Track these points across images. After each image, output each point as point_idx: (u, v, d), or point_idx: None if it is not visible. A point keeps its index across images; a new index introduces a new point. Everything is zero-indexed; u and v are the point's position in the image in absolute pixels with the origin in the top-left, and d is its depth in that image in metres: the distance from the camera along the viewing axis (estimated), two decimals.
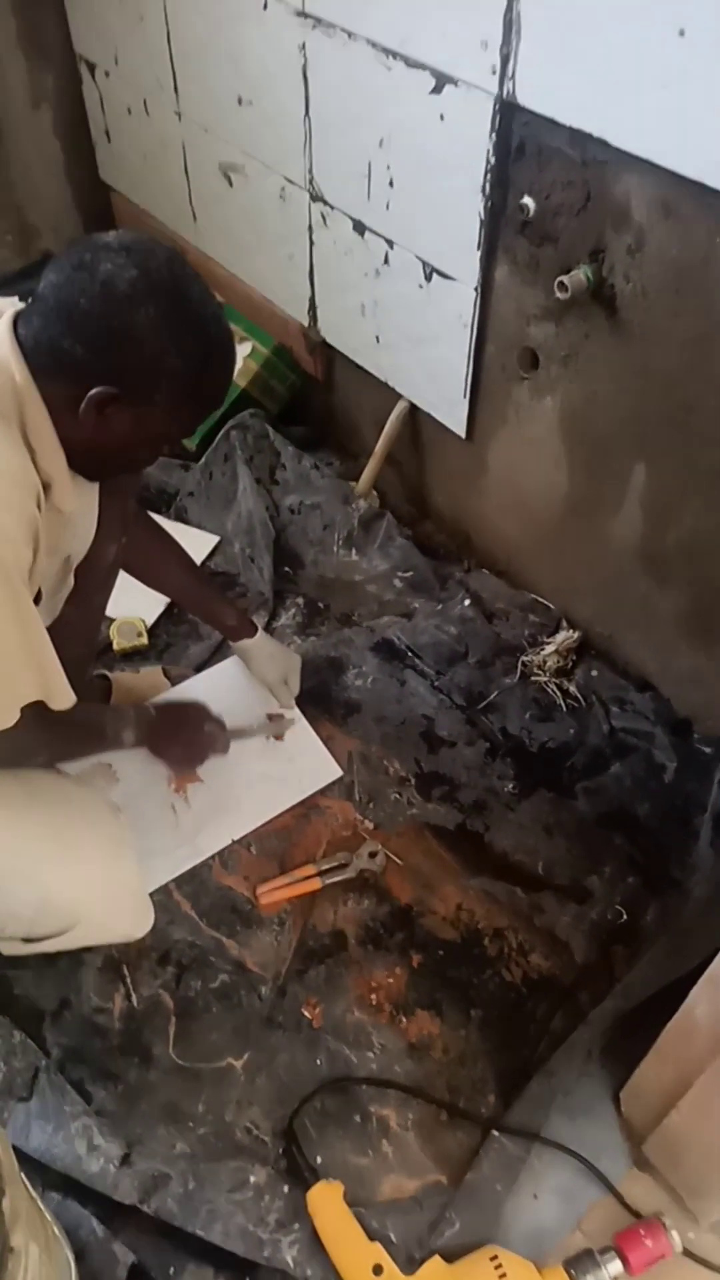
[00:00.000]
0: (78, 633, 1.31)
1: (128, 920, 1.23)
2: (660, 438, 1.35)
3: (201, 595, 1.51)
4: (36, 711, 0.97)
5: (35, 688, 0.96)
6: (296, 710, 1.58)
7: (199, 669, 1.66)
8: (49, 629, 1.19)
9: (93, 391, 0.92)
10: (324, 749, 1.55)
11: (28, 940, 1.12)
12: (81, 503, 1.09)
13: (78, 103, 2.24)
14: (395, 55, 1.38)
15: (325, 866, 1.39)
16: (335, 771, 1.52)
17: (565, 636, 1.69)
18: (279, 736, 1.55)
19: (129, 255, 0.91)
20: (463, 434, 1.69)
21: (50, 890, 1.09)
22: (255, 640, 1.53)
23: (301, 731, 1.57)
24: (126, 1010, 1.25)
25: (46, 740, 1.09)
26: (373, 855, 1.39)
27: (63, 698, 0.99)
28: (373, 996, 1.28)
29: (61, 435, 0.96)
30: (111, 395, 0.93)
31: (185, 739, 1.38)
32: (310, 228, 1.76)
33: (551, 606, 1.76)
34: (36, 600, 1.12)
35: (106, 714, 1.33)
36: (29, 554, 0.94)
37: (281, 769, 1.52)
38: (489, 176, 1.35)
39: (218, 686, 1.57)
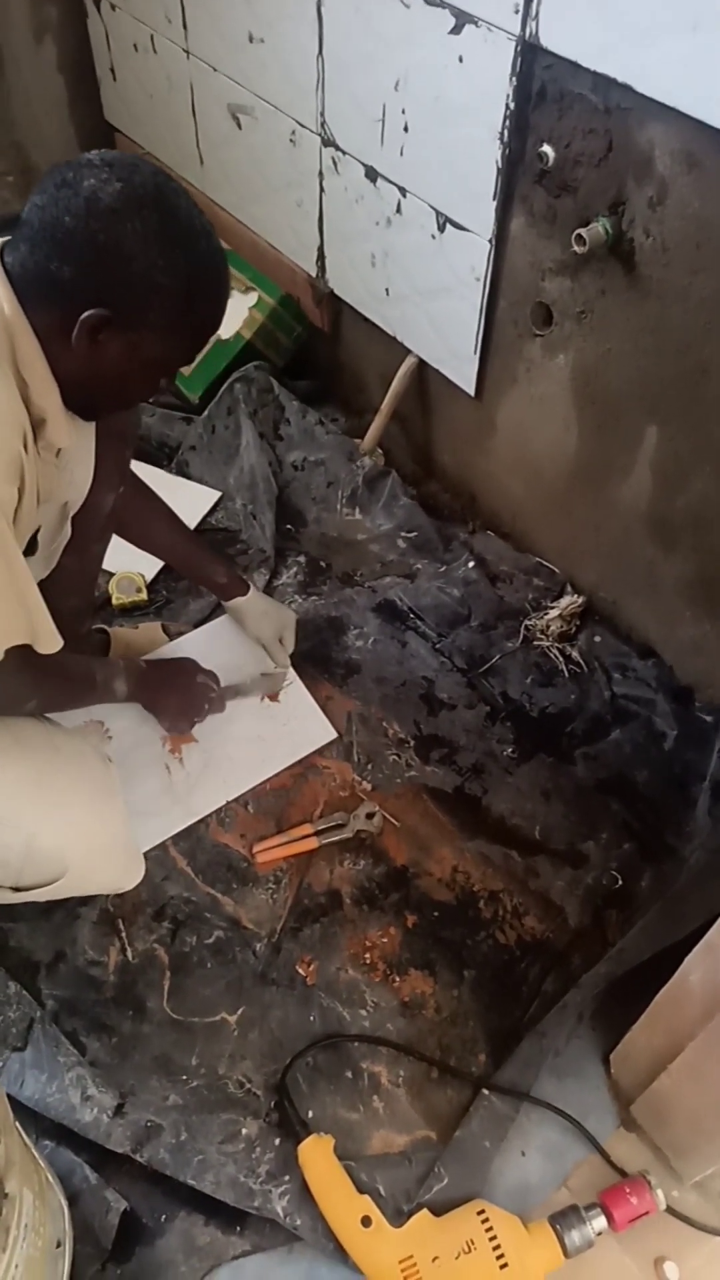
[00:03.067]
0: (75, 583, 1.30)
1: (117, 870, 1.22)
2: (674, 400, 1.32)
3: (190, 553, 1.49)
4: (26, 656, 0.95)
5: (21, 629, 0.94)
6: (292, 670, 1.57)
7: (198, 625, 1.64)
8: (46, 579, 1.18)
9: (85, 314, 0.89)
10: (319, 710, 1.53)
11: (16, 889, 1.12)
12: (77, 443, 1.06)
13: (83, 38, 2.16)
14: None
15: (322, 826, 1.39)
16: (330, 733, 1.51)
17: (569, 601, 1.68)
18: (274, 696, 1.54)
19: (112, 170, 0.88)
20: (471, 391, 1.66)
21: (36, 837, 1.08)
22: (248, 598, 1.52)
23: (297, 692, 1.55)
24: (121, 964, 1.25)
25: (35, 686, 1.08)
26: (370, 816, 1.39)
27: (49, 641, 0.98)
28: (367, 955, 1.29)
29: (54, 367, 0.93)
30: (103, 318, 0.89)
31: (178, 693, 1.38)
32: (321, 173, 1.71)
33: (556, 570, 1.74)
34: (33, 549, 1.10)
35: (97, 664, 1.32)
36: (12, 492, 0.91)
37: (276, 730, 1.51)
38: (508, 123, 1.30)
39: (211, 645, 1.56)
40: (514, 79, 1.26)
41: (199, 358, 2.02)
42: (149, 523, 1.42)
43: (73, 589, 1.31)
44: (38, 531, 1.08)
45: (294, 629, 1.56)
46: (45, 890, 1.12)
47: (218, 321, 1.00)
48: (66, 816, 1.10)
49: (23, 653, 0.95)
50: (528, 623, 1.67)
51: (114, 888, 1.25)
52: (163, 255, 0.90)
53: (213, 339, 2.02)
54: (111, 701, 1.27)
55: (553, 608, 1.68)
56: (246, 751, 1.47)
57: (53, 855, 1.10)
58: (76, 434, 1.04)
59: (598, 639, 1.65)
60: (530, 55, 1.24)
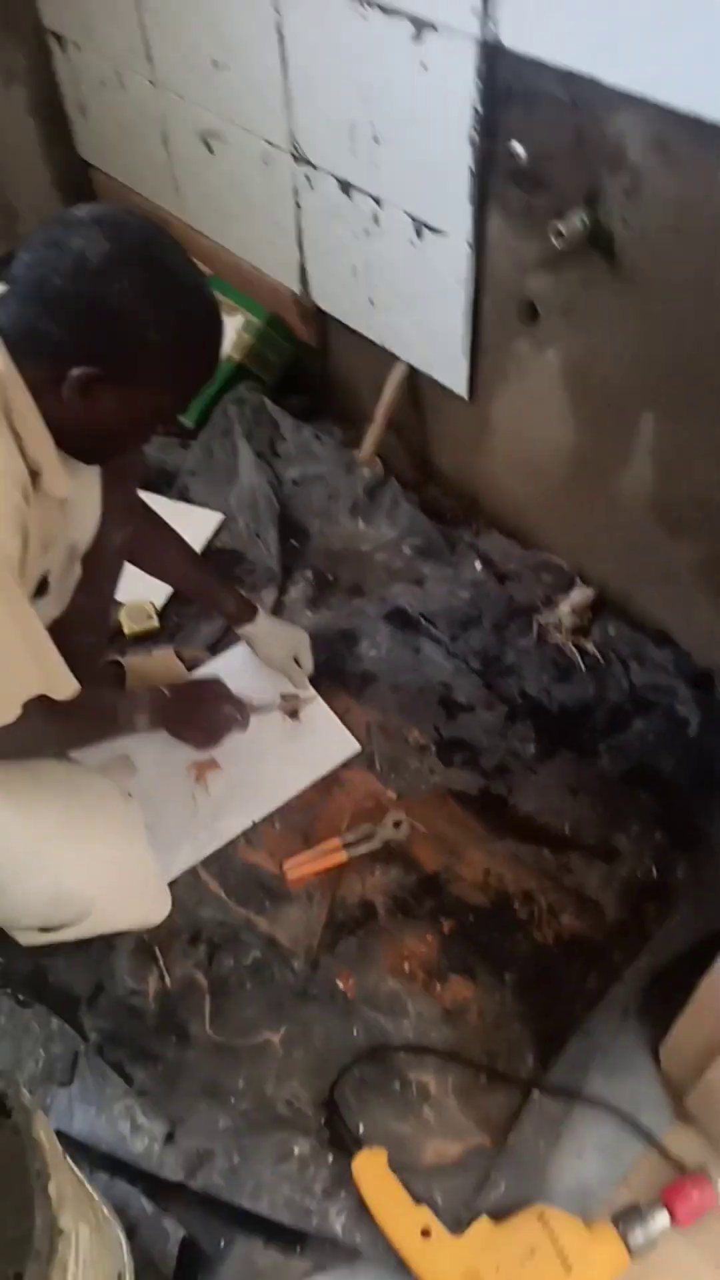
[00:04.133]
0: (89, 620, 1.31)
1: (143, 906, 1.22)
2: (667, 386, 1.32)
3: (201, 582, 1.49)
4: (42, 703, 0.95)
5: (36, 681, 0.94)
6: (311, 688, 1.57)
7: (211, 649, 1.65)
8: (59, 619, 1.19)
9: (74, 373, 0.89)
10: (340, 724, 1.53)
11: (44, 930, 1.12)
12: (79, 488, 1.07)
13: (50, 78, 2.19)
14: (371, 3, 1.34)
15: (350, 839, 1.39)
16: (353, 746, 1.51)
17: (580, 595, 1.67)
18: (294, 714, 1.54)
19: (101, 228, 0.87)
20: (464, 393, 1.66)
21: (62, 878, 1.08)
22: (257, 624, 1.52)
23: (317, 708, 1.55)
24: (161, 991, 1.25)
25: (57, 731, 1.09)
26: (397, 825, 1.39)
27: (64, 686, 0.98)
28: (405, 965, 1.28)
29: (48, 418, 0.93)
30: (93, 375, 0.90)
31: (203, 717, 1.38)
32: (296, 191, 1.72)
33: (564, 565, 1.73)
34: (44, 590, 1.11)
35: (119, 699, 1.32)
36: (17, 544, 0.92)
37: (299, 748, 1.51)
38: (476, 125, 1.30)
39: (229, 673, 1.56)
40: (479, 81, 1.26)
41: None
42: (161, 552, 1.43)
43: (86, 626, 1.31)
44: (48, 574, 1.09)
45: (309, 648, 1.56)
46: (72, 930, 1.12)
47: (211, 373, 1.00)
48: (91, 856, 1.11)
49: (41, 700, 0.95)
50: (540, 619, 1.67)
51: (141, 924, 1.25)
52: (152, 313, 0.89)
53: None
54: (134, 733, 1.27)
55: (564, 602, 1.67)
56: (270, 771, 1.47)
57: (78, 895, 1.10)
58: (78, 478, 1.05)
59: (612, 630, 1.65)
60: (493, 56, 1.24)
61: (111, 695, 1.38)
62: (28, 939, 1.16)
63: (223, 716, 1.39)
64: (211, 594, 1.51)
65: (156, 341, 0.91)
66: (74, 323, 0.88)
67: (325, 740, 1.52)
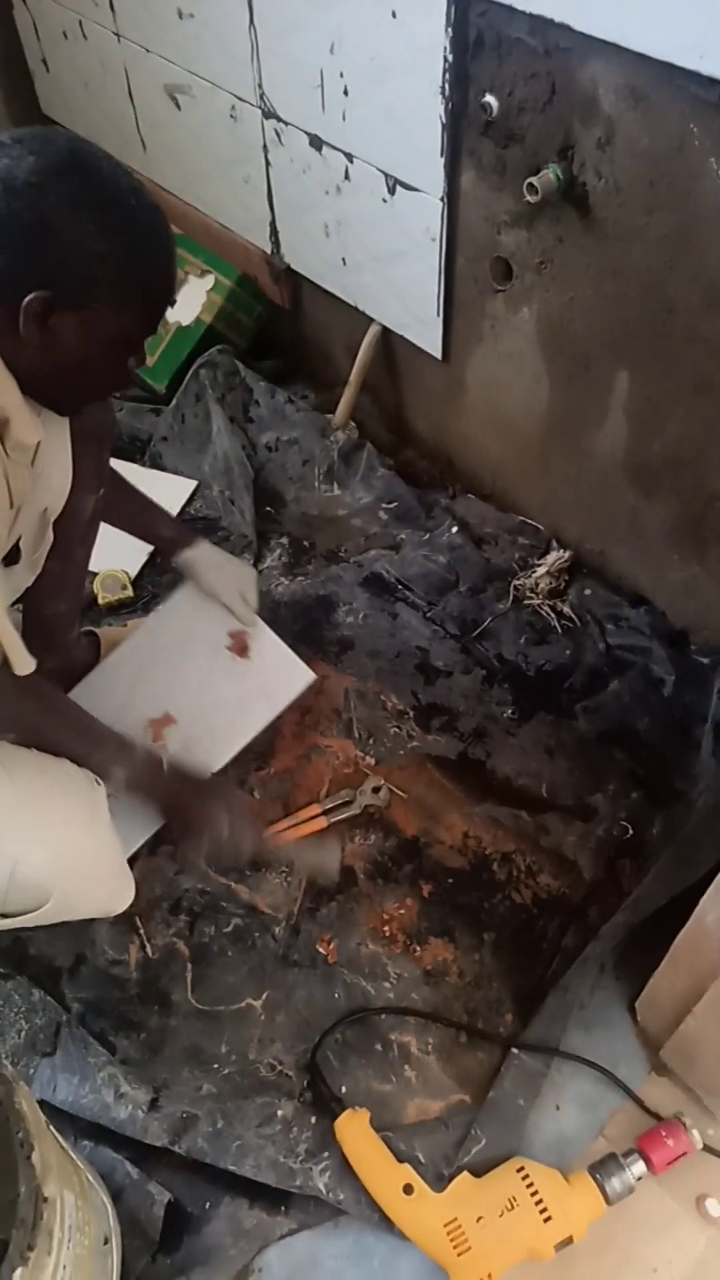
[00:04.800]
0: (62, 588, 1.29)
1: (105, 893, 1.16)
2: (641, 342, 1.31)
3: (130, 507, 1.36)
4: (16, 684, 0.93)
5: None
6: (260, 621, 1.46)
7: None
8: (33, 586, 1.17)
9: (26, 300, 0.84)
10: (293, 655, 1.44)
11: (3, 916, 1.07)
12: (53, 446, 1.04)
13: (11, 31, 2.11)
14: None
15: (329, 805, 1.39)
16: (308, 675, 1.42)
17: (556, 557, 1.67)
18: (244, 652, 1.44)
19: (23, 145, 0.83)
20: (438, 354, 1.64)
21: (18, 863, 1.03)
22: (199, 550, 1.41)
23: (266, 641, 1.44)
24: (142, 960, 1.26)
25: (28, 716, 1.06)
26: (376, 790, 1.39)
27: (22, 663, 0.95)
28: (386, 928, 1.29)
29: (10, 362, 0.89)
30: (46, 299, 0.85)
31: (198, 816, 1.17)
32: (265, 147, 1.67)
33: (540, 527, 1.73)
34: (16, 558, 1.08)
35: (106, 738, 1.15)
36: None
37: (253, 685, 1.41)
38: (447, 75, 1.27)
39: (174, 621, 1.46)
40: (449, 29, 1.23)
41: (160, 346, 2.01)
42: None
43: (60, 594, 1.29)
44: (19, 540, 1.07)
45: (255, 585, 1.46)
46: (31, 916, 1.07)
47: (170, 280, 0.95)
48: (51, 841, 1.05)
49: (12, 680, 0.93)
50: (516, 583, 1.66)
51: (103, 911, 1.18)
52: (93, 220, 0.85)
53: (174, 324, 2.00)
54: (102, 777, 1.12)
55: (540, 565, 1.67)
56: (225, 716, 1.39)
57: (36, 881, 1.04)
58: (49, 432, 1.02)
59: (588, 592, 1.65)
60: (464, 3, 1.21)
61: (100, 729, 1.16)
62: None
63: (219, 825, 1.17)
64: (143, 519, 1.40)
65: (104, 251, 0.86)
66: (14, 246, 0.84)
67: (279, 673, 1.43)
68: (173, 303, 1.00)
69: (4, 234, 0.83)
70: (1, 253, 0.84)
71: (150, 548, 1.65)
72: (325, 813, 1.38)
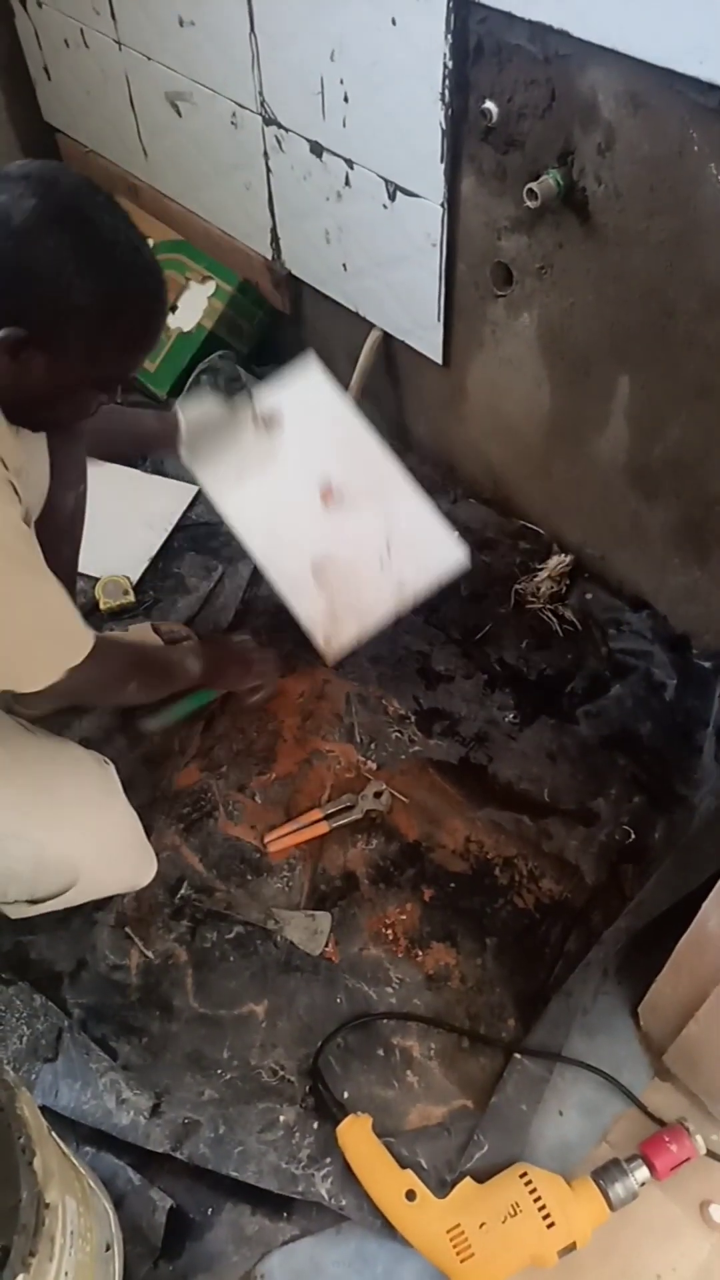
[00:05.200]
0: None
1: (128, 868, 1.22)
2: (642, 347, 1.31)
3: (110, 430, 1.31)
4: (125, 650, 1.04)
5: (81, 645, 0.98)
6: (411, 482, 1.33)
7: (188, 623, 1.63)
8: None
9: (2, 334, 0.86)
10: (442, 525, 1.30)
11: (33, 902, 1.12)
12: (30, 455, 1.05)
13: (12, 40, 2.12)
14: None
15: (331, 810, 1.39)
16: (457, 555, 1.30)
17: (557, 561, 1.67)
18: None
19: (28, 184, 0.85)
20: (439, 360, 1.64)
21: (45, 847, 1.08)
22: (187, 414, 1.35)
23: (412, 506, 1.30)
24: (144, 965, 1.25)
25: (133, 673, 1.14)
26: (378, 795, 1.39)
27: (82, 638, 1.00)
28: (388, 932, 1.29)
29: None
30: (21, 338, 0.86)
31: (238, 664, 1.38)
32: (266, 153, 1.68)
33: (542, 532, 1.73)
34: None
35: (171, 650, 1.32)
36: (17, 511, 0.92)
37: (393, 549, 1.30)
38: (447, 82, 1.28)
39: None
40: (449, 36, 1.23)
41: (162, 352, 2.01)
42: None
43: None
44: None
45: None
46: (61, 899, 1.12)
47: (149, 339, 0.97)
48: (72, 824, 1.10)
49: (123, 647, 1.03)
50: (518, 587, 1.66)
51: (129, 886, 1.25)
52: (79, 275, 0.86)
53: (175, 330, 2.00)
54: (190, 683, 1.26)
55: (541, 569, 1.67)
56: (360, 577, 1.30)
57: (62, 863, 1.10)
58: (24, 445, 1.02)
59: (589, 596, 1.65)
60: (464, 10, 1.21)
61: (164, 649, 1.40)
62: (17, 912, 1.15)
63: (256, 664, 1.40)
64: (129, 426, 1.37)
65: (83, 306, 0.87)
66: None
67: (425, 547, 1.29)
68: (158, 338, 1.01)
69: None
70: None
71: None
72: (327, 817, 1.38)
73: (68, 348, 0.90)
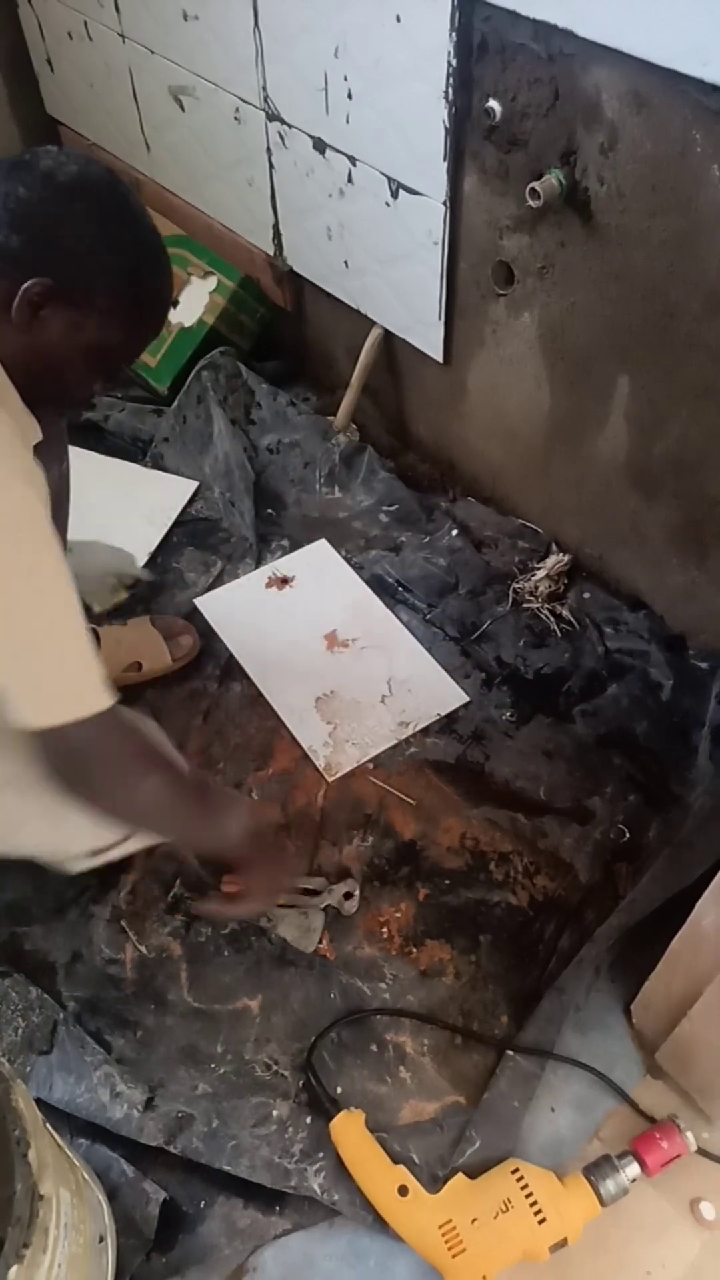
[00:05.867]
0: None
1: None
2: (643, 347, 1.31)
3: None
4: (167, 772, 0.96)
5: (79, 696, 0.88)
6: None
7: (187, 618, 1.63)
8: None
9: (28, 283, 0.88)
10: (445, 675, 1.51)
11: (95, 853, 1.11)
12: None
13: (16, 31, 2.12)
14: None
15: (301, 884, 1.29)
16: (461, 696, 1.49)
17: (555, 560, 1.67)
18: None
19: (70, 157, 0.91)
20: (440, 358, 1.64)
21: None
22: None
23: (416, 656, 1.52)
24: (139, 959, 1.26)
25: (170, 801, 1.00)
26: (347, 896, 1.29)
27: (96, 695, 0.90)
28: (382, 929, 1.29)
29: None
30: (47, 287, 0.89)
31: (271, 865, 1.18)
32: (269, 149, 1.68)
33: (540, 531, 1.73)
34: None
35: (219, 788, 1.21)
36: (40, 496, 0.92)
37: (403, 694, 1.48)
38: (451, 80, 1.28)
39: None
40: (453, 34, 1.23)
41: (163, 347, 2.01)
42: None
43: None
44: None
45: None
46: (123, 846, 1.11)
47: (159, 321, 1.00)
48: None
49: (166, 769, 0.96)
50: (516, 586, 1.67)
51: None
52: (111, 235, 0.91)
53: (176, 326, 2.00)
54: (219, 841, 1.08)
55: (539, 568, 1.67)
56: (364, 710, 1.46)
57: None
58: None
59: (587, 595, 1.65)
60: (468, 8, 1.21)
61: (214, 782, 1.22)
62: (79, 865, 1.13)
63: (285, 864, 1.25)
64: None
65: (112, 264, 0.92)
66: (34, 231, 0.89)
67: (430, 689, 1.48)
68: (160, 332, 1.04)
69: (29, 218, 0.89)
70: (20, 233, 0.89)
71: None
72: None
73: (89, 306, 0.92)
